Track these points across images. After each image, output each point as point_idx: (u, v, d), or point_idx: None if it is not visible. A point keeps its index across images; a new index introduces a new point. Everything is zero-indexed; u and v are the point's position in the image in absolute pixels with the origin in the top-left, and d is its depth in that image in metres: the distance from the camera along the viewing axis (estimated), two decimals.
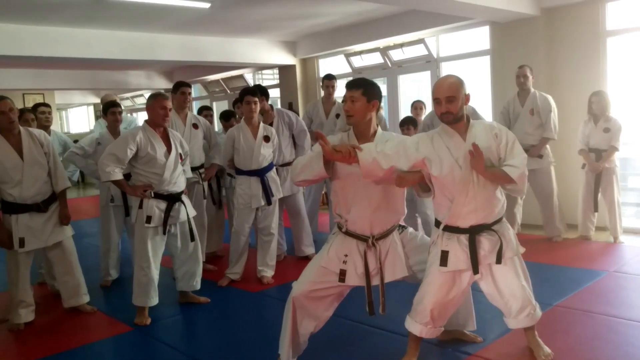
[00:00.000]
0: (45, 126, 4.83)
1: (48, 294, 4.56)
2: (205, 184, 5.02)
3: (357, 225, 2.79)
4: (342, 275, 2.77)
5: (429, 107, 6.25)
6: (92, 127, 14.62)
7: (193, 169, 4.85)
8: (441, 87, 2.62)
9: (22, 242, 3.74)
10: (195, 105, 10.27)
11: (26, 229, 3.76)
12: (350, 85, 2.78)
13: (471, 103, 2.79)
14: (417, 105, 6.20)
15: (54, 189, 3.90)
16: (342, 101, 2.82)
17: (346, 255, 2.79)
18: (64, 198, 3.95)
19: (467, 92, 2.65)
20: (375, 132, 2.82)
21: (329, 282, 2.80)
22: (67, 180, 3.97)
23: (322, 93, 6.08)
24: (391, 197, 2.80)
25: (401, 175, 2.64)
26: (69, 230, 3.99)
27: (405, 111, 7.46)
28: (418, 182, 2.73)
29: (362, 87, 2.75)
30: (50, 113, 5.00)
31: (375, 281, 2.80)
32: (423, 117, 6.10)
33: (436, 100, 2.63)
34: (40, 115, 4.83)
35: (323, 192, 6.36)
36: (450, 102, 2.59)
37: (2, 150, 3.68)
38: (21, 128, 3.81)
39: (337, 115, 5.80)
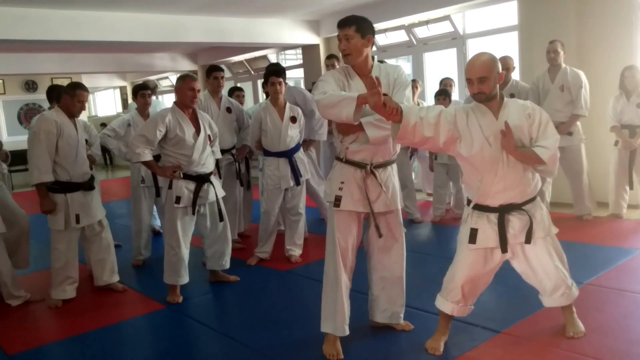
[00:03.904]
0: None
1: (83, 273, 4.66)
2: (242, 164, 5.11)
3: (358, 154, 2.81)
4: (338, 200, 2.80)
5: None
6: (119, 110, 14.86)
7: (226, 151, 4.92)
8: (473, 67, 2.57)
9: (77, 219, 3.94)
10: None
11: (80, 206, 3.96)
12: (342, 24, 2.74)
13: None
14: (446, 82, 6.07)
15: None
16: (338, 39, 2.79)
17: (342, 182, 2.82)
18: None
19: (500, 71, 2.60)
20: (372, 66, 2.82)
21: (348, 225, 2.83)
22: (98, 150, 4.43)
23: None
24: None
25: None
26: (103, 209, 4.23)
27: (430, 89, 7.37)
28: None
29: (355, 24, 2.73)
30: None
31: (375, 208, 2.84)
32: (452, 94, 6.01)
33: (468, 81, 2.59)
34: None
35: None
36: (482, 83, 2.54)
37: (67, 129, 3.92)
38: None
39: None
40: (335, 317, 2.86)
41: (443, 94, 5.57)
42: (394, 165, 2.95)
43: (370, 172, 2.81)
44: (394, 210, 2.95)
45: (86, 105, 4.05)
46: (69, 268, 4.01)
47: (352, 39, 2.72)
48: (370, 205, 2.83)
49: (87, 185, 4.02)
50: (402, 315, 3.09)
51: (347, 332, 2.89)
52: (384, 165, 2.87)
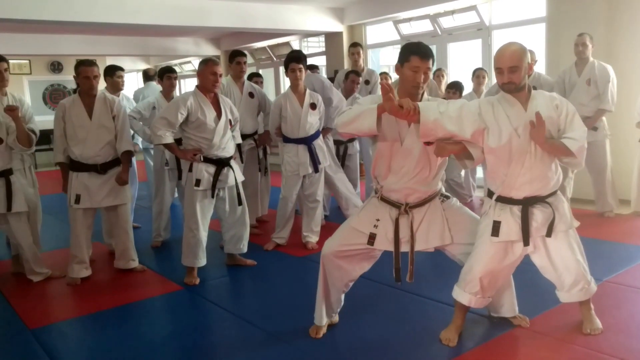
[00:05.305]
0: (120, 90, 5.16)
1: (105, 253, 4.77)
2: (261, 150, 5.13)
3: (392, 194, 2.77)
4: (372, 238, 2.77)
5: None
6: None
7: (248, 136, 4.95)
8: (503, 56, 2.54)
9: (77, 199, 3.96)
10: None
11: (83, 187, 3.96)
12: (425, 56, 2.60)
13: None
14: (479, 74, 5.96)
15: (117, 151, 4.07)
16: (413, 71, 2.62)
17: (378, 220, 2.78)
18: (125, 162, 4.09)
19: (529, 61, 2.57)
20: (422, 96, 2.73)
21: (358, 243, 2.80)
22: (129, 144, 4.11)
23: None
24: (430, 168, 2.72)
25: (441, 144, 2.58)
26: (125, 197, 4.14)
27: (454, 80, 7.28)
28: (459, 152, 2.65)
29: (432, 57, 2.65)
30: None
31: (407, 248, 2.77)
32: (484, 86, 5.94)
33: (498, 70, 2.56)
34: (117, 79, 5.10)
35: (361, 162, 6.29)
36: (512, 72, 2.51)
37: (75, 109, 3.95)
38: (99, 92, 4.06)
39: (367, 82, 5.91)
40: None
41: (454, 87, 5.53)
42: (436, 200, 2.80)
43: (404, 212, 2.75)
44: (442, 245, 2.80)
45: (99, 80, 3.97)
46: (75, 247, 4.06)
47: (429, 72, 2.65)
48: (399, 244, 2.76)
49: (97, 169, 3.96)
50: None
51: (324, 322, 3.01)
52: (421, 204, 2.77)
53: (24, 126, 3.98)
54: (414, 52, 2.61)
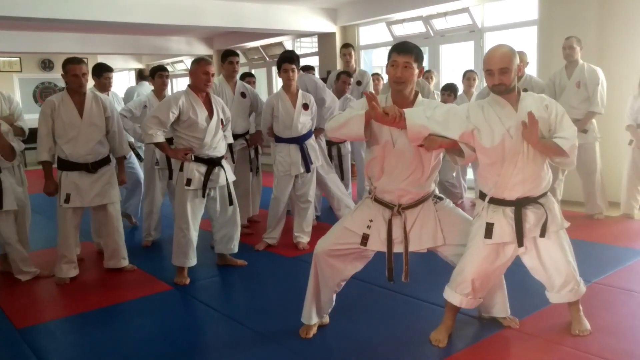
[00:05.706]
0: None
1: (93, 252, 4.74)
2: (252, 150, 5.13)
3: (385, 195, 2.78)
4: (365, 239, 2.78)
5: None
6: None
7: (239, 136, 4.94)
8: (493, 57, 2.56)
9: (67, 198, 3.92)
10: None
11: (73, 187, 3.93)
12: (402, 50, 2.63)
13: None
14: (469, 76, 5.97)
15: (112, 154, 4.11)
16: (391, 65, 2.66)
17: (371, 221, 2.79)
18: (121, 165, 4.20)
19: (519, 62, 2.59)
20: (415, 97, 2.75)
21: (351, 243, 2.81)
22: (124, 150, 4.21)
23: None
24: (423, 170, 2.72)
25: (432, 137, 2.56)
26: (114, 195, 4.12)
27: (446, 82, 7.31)
28: (449, 146, 2.64)
29: (415, 53, 2.65)
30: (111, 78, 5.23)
31: (399, 249, 2.78)
32: (474, 88, 5.95)
33: (488, 72, 2.58)
34: (104, 80, 5.10)
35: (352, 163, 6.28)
36: (503, 74, 2.53)
37: (65, 107, 3.90)
38: (89, 90, 4.03)
39: (359, 83, 5.92)
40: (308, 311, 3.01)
41: (449, 89, 5.55)
42: (429, 201, 2.80)
43: (397, 213, 2.76)
44: (435, 247, 2.81)
45: (87, 78, 3.94)
46: (63, 246, 4.03)
47: (411, 68, 2.63)
48: (392, 245, 2.77)
49: (87, 167, 3.94)
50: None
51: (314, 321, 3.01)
52: (414, 205, 2.78)
53: (7, 140, 3.93)
54: (393, 48, 2.68)
